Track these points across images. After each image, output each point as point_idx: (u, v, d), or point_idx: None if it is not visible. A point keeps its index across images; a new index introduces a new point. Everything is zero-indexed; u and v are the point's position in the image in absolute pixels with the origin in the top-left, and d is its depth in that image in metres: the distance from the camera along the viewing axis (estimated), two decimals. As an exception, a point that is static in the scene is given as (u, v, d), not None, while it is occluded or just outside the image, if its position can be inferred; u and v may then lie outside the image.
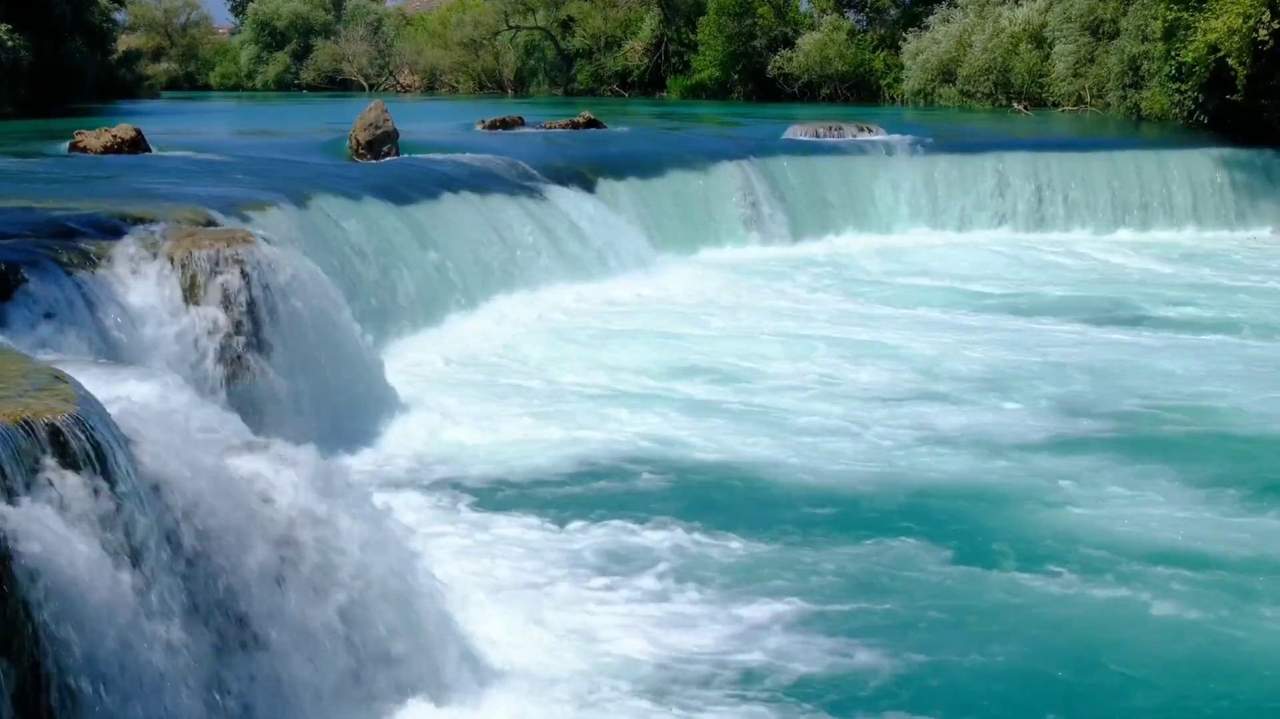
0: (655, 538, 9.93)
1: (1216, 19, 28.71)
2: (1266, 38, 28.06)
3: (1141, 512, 10.50)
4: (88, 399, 6.48)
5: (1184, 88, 31.61)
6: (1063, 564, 9.36)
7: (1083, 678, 7.77)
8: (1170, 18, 30.56)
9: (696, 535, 9.97)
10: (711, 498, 10.95)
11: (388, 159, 22.13)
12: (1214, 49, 28.98)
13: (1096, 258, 24.96)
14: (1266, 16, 28.09)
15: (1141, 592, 8.90)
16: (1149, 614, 8.60)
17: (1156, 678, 7.77)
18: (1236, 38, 28.25)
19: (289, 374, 11.42)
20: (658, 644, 8.20)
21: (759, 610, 8.65)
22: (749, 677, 7.78)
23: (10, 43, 33.88)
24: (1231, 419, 13.33)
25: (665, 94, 59.27)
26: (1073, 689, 7.66)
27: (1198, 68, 30.02)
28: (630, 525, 10.16)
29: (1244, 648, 8.15)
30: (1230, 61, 28.83)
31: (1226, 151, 29.18)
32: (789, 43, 53.89)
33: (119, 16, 56.34)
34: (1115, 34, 37.81)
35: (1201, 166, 28.83)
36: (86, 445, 6.06)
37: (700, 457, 11.98)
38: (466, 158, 22.58)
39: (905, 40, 49.57)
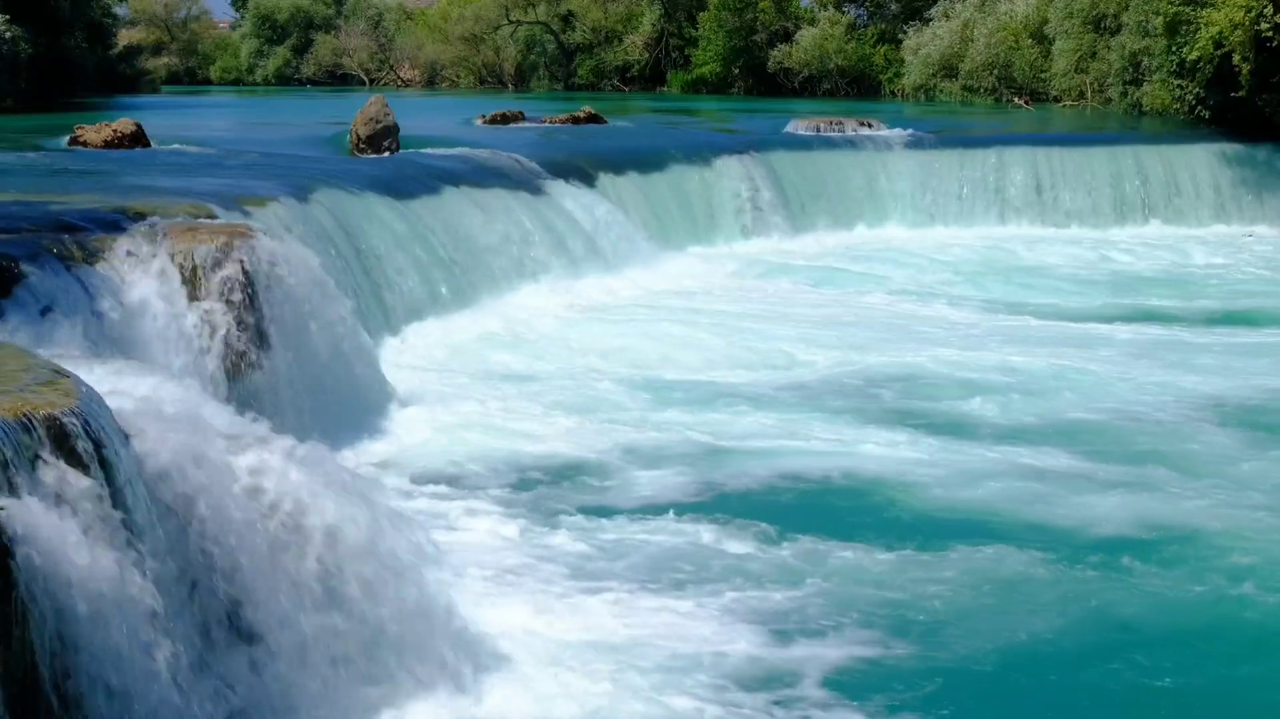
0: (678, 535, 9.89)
1: (1218, 11, 28.64)
2: (1269, 31, 27.98)
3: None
4: (88, 394, 6.47)
5: (1186, 83, 31.55)
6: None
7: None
8: (1172, 12, 30.50)
9: (716, 536, 9.83)
10: (741, 494, 10.87)
11: (388, 154, 22.13)
12: (1219, 44, 28.91)
13: (1097, 253, 24.90)
14: (1269, 10, 27.99)
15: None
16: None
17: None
18: (1240, 31, 28.16)
19: (289, 368, 11.40)
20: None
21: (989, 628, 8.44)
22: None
23: (9, 34, 33.83)
24: None
25: (666, 89, 59.32)
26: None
27: (1201, 63, 29.95)
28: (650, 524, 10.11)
29: None
30: (1234, 57, 28.76)
31: (1227, 146, 29.15)
32: (789, 37, 53.88)
33: (119, 11, 56.38)
34: (1117, 29, 37.77)
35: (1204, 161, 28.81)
36: (86, 440, 6.06)
37: (706, 443, 11.89)
38: (467, 152, 22.57)
39: (905, 35, 49.54)
